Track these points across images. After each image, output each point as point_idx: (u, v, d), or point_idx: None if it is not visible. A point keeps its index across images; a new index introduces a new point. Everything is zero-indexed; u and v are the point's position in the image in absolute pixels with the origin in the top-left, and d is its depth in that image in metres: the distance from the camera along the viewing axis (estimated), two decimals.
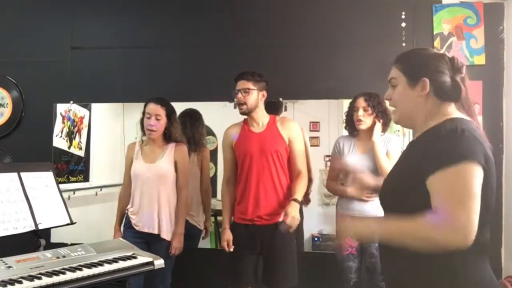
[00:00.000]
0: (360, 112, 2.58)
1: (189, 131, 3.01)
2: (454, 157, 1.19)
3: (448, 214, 1.15)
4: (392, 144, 2.60)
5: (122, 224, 2.77)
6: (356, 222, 1.39)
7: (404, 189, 1.30)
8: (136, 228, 2.67)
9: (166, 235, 2.66)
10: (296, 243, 2.65)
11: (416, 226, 1.19)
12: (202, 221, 3.10)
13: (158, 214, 2.66)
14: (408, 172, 1.31)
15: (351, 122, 2.66)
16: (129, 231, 2.69)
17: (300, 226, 2.97)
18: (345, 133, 2.81)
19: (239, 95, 2.49)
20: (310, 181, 2.71)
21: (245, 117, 2.60)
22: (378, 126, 2.58)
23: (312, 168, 2.82)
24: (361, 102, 2.59)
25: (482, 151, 1.21)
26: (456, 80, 1.33)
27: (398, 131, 3.01)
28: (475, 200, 1.16)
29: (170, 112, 2.72)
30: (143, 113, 2.72)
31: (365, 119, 2.58)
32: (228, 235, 2.52)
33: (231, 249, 2.49)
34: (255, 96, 2.51)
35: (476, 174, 1.18)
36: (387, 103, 2.67)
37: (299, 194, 2.46)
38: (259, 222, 2.46)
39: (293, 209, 2.37)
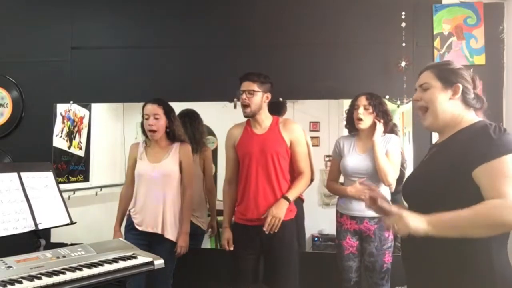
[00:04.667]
0: (361, 110, 2.58)
1: (189, 132, 3.01)
2: (505, 149, 1.34)
3: (510, 197, 1.27)
4: (391, 144, 2.60)
5: (123, 226, 2.75)
6: (410, 219, 1.34)
7: (443, 185, 1.41)
8: (139, 228, 2.66)
9: (170, 235, 2.66)
10: (298, 244, 2.65)
11: (480, 213, 1.28)
12: (206, 221, 3.11)
13: (162, 214, 2.65)
14: (447, 168, 1.42)
15: (351, 121, 2.66)
16: (131, 232, 2.68)
17: (302, 226, 2.98)
18: (346, 133, 2.80)
19: (244, 96, 2.48)
20: (311, 181, 2.72)
21: None
22: (380, 126, 2.57)
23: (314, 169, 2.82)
24: (362, 101, 2.59)
25: None
26: (476, 93, 1.53)
27: (399, 131, 3.02)
28: None
29: (168, 110, 2.72)
30: (142, 116, 2.72)
31: (365, 118, 2.58)
32: (228, 234, 2.52)
33: (231, 248, 2.50)
34: (259, 98, 2.49)
35: None
36: (388, 104, 2.70)
37: (292, 193, 2.47)
38: (259, 223, 2.45)
39: (277, 208, 2.40)
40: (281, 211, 2.41)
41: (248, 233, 2.49)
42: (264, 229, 2.38)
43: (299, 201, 2.87)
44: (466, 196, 1.34)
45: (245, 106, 2.49)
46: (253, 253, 2.50)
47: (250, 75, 2.50)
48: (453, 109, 1.51)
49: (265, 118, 2.55)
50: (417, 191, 1.53)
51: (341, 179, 2.75)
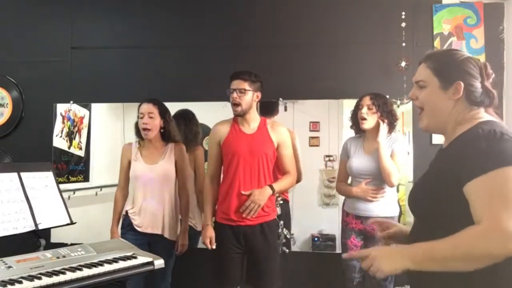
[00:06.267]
0: (364, 110, 2.59)
1: (182, 132, 3.00)
2: (495, 162, 1.13)
3: (494, 223, 1.08)
4: (397, 144, 2.61)
5: (120, 227, 2.75)
6: (384, 261, 1.19)
7: (439, 197, 1.24)
8: (139, 229, 2.67)
9: (169, 234, 2.68)
10: (294, 243, 2.66)
11: (457, 243, 1.10)
12: (199, 222, 3.10)
13: (163, 215, 2.67)
14: (442, 179, 1.24)
15: (356, 121, 2.67)
16: (129, 233, 2.67)
17: (288, 226, 2.98)
18: (346, 133, 2.81)
19: (234, 95, 2.47)
20: (297, 182, 2.73)
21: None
22: (383, 126, 2.57)
23: (311, 170, 2.84)
24: (366, 100, 2.60)
25: None
26: (486, 86, 1.30)
27: (398, 131, 3.01)
28: None
29: (163, 111, 2.72)
30: (138, 116, 2.73)
31: (368, 118, 2.58)
32: (210, 232, 2.50)
33: (214, 246, 2.48)
34: (250, 97, 2.48)
35: None
36: (394, 105, 2.70)
37: (278, 184, 2.49)
38: (243, 223, 2.44)
39: (260, 194, 2.40)
40: (263, 198, 2.40)
41: (231, 232, 2.47)
42: (241, 210, 2.38)
43: (285, 202, 2.88)
44: (463, 212, 1.16)
45: (235, 104, 2.48)
46: (238, 252, 2.49)
47: (241, 74, 2.49)
48: (454, 109, 1.31)
49: (254, 118, 2.54)
50: (417, 202, 1.36)
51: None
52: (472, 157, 1.17)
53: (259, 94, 2.53)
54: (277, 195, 2.60)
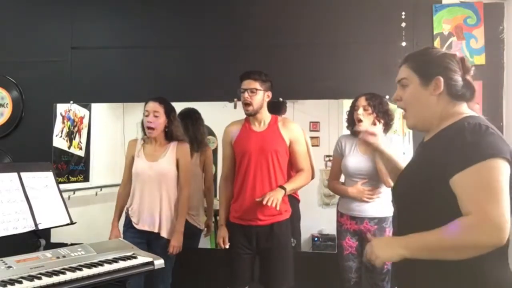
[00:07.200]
0: (360, 111, 2.58)
1: (191, 132, 3.01)
2: (481, 153, 1.16)
3: (482, 214, 1.12)
4: (393, 144, 2.60)
5: (122, 224, 2.76)
6: (382, 249, 1.27)
7: (424, 190, 1.27)
8: (136, 226, 2.67)
9: (165, 233, 2.67)
10: (294, 243, 2.64)
11: (448, 234, 1.15)
12: (203, 221, 3.10)
13: (159, 213, 2.67)
14: (427, 173, 1.27)
15: (352, 121, 2.66)
16: (129, 231, 2.69)
17: (297, 227, 2.98)
18: (346, 133, 2.80)
19: (246, 94, 2.47)
20: (311, 179, 2.71)
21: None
22: (379, 127, 2.57)
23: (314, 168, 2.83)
24: (362, 101, 2.59)
25: (507, 147, 1.20)
26: (467, 79, 1.33)
27: (398, 131, 3.01)
28: (506, 196, 1.14)
29: (169, 110, 2.72)
30: (143, 113, 2.73)
31: (364, 119, 2.57)
32: (223, 232, 2.51)
33: (227, 246, 2.48)
34: (261, 97, 2.49)
35: (504, 170, 1.16)
36: (390, 104, 2.69)
37: (290, 184, 2.46)
38: (255, 223, 2.44)
39: (274, 192, 2.35)
40: (277, 195, 2.34)
41: (243, 232, 2.47)
42: (262, 201, 2.29)
43: (295, 201, 2.87)
44: (449, 204, 1.19)
45: (247, 104, 2.48)
46: (249, 252, 2.49)
47: (252, 74, 2.49)
48: (437, 105, 1.33)
49: (265, 117, 2.54)
50: (402, 194, 1.40)
51: (342, 178, 2.75)
52: (458, 150, 1.20)
53: (269, 93, 2.53)
54: None
